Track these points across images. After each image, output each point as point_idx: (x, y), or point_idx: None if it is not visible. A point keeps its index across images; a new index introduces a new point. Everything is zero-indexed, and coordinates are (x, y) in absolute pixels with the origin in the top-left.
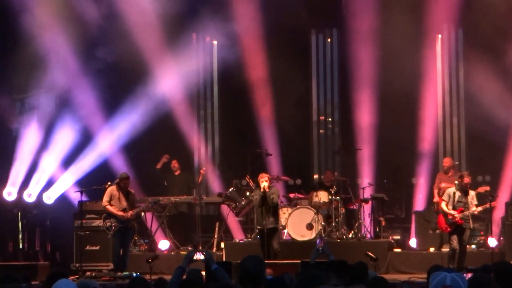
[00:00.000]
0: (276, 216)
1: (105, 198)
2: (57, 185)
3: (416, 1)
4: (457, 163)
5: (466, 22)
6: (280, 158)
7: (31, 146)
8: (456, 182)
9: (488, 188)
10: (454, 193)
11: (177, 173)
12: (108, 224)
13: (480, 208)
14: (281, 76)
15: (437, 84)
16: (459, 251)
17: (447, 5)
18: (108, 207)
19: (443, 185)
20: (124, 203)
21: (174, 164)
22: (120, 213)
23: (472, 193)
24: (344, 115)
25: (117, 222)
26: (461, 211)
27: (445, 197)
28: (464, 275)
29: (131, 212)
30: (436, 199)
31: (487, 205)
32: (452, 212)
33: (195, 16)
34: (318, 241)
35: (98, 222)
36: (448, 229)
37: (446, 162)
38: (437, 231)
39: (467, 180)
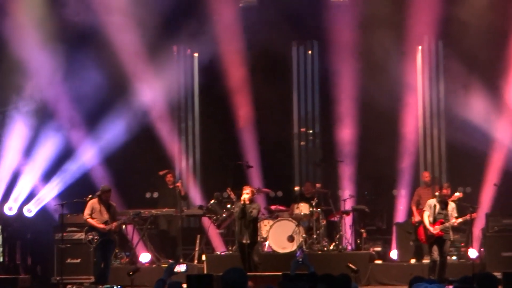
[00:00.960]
0: (255, 230)
1: (87, 211)
2: (38, 198)
3: (397, 13)
4: (436, 176)
5: (446, 34)
6: (261, 170)
7: (12, 159)
8: (436, 193)
9: (461, 195)
10: (435, 205)
11: (171, 186)
12: (90, 237)
13: (460, 220)
14: (262, 88)
15: (417, 96)
16: (439, 263)
17: (428, 17)
18: (90, 220)
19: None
20: (106, 216)
21: (170, 177)
22: (101, 226)
23: (452, 204)
24: (325, 127)
25: (99, 235)
26: (441, 223)
27: (426, 209)
28: (446, 287)
29: (115, 224)
30: (416, 216)
31: (467, 217)
32: (431, 229)
33: (176, 29)
34: (298, 252)
35: (79, 235)
36: (429, 241)
37: (427, 176)
38: (412, 243)
39: (446, 192)
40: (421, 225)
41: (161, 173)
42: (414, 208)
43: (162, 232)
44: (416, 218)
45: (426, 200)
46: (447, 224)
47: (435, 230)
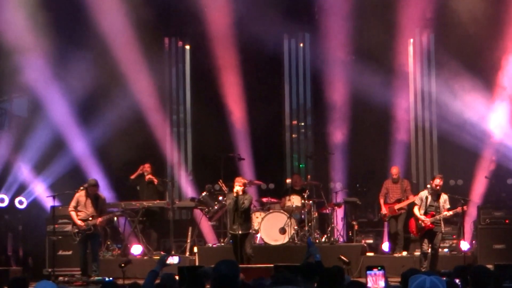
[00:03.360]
0: (248, 221)
1: (72, 203)
2: (30, 190)
3: (389, 6)
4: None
5: (438, 27)
6: (253, 163)
7: (3, 151)
8: (428, 185)
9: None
10: (427, 197)
11: (147, 179)
12: (76, 230)
13: (451, 212)
14: (254, 81)
15: (409, 89)
16: (431, 255)
17: (419, 10)
18: (72, 213)
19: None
20: (91, 209)
21: (147, 168)
22: (79, 223)
23: (444, 196)
24: (317, 119)
25: (79, 229)
26: (432, 215)
27: (417, 201)
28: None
29: (99, 219)
30: (383, 209)
31: (458, 210)
32: (423, 218)
33: (167, 21)
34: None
35: (71, 227)
36: (419, 233)
37: (395, 173)
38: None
39: (438, 183)
40: (412, 218)
41: (132, 176)
42: (381, 201)
43: (153, 224)
44: (383, 211)
45: (394, 193)
46: (437, 217)
47: (425, 222)
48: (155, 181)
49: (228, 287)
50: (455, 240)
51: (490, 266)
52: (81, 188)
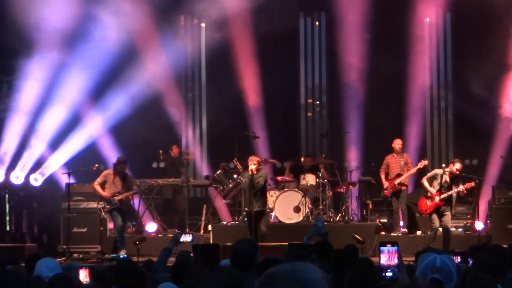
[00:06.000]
0: (263, 199)
1: (98, 179)
2: (45, 167)
3: None
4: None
5: (454, 6)
6: (268, 141)
7: (19, 128)
8: (447, 169)
9: (427, 162)
10: (442, 176)
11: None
12: (102, 205)
13: (462, 187)
14: (269, 59)
15: (425, 69)
16: (443, 235)
17: None
18: (97, 187)
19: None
20: (119, 187)
21: (175, 150)
22: (104, 194)
23: (461, 186)
24: (332, 98)
25: (108, 204)
26: (441, 194)
27: (430, 174)
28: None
29: (126, 193)
30: (385, 183)
31: (472, 184)
32: (431, 189)
33: None
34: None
35: (86, 204)
36: (428, 211)
37: (398, 143)
38: (418, 214)
39: (459, 167)
40: (422, 197)
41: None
42: (382, 177)
43: (168, 202)
44: (385, 185)
45: (394, 168)
46: (445, 195)
47: (433, 194)
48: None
49: (246, 265)
50: (470, 220)
51: (505, 246)
52: (97, 165)
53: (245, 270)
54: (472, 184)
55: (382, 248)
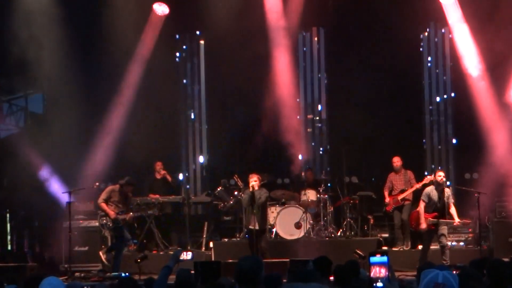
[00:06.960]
0: (264, 216)
1: (102, 196)
2: (45, 186)
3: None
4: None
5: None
6: (268, 157)
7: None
8: (433, 180)
9: (432, 178)
10: (431, 194)
11: (159, 176)
12: (104, 221)
13: (458, 221)
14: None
15: (424, 83)
16: (440, 249)
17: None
18: (102, 204)
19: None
20: (121, 206)
21: (159, 166)
22: (112, 213)
23: (448, 192)
24: (332, 114)
25: (112, 222)
26: (435, 216)
27: (424, 198)
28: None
29: (129, 215)
30: (387, 199)
31: (467, 221)
32: (423, 219)
33: (181, 16)
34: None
35: (87, 223)
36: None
37: (397, 161)
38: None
39: (443, 175)
40: (414, 211)
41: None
42: (386, 193)
43: (169, 219)
44: (386, 201)
45: (398, 185)
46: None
47: (422, 226)
48: (169, 178)
49: (250, 282)
50: (471, 234)
51: (506, 259)
52: (97, 184)
53: (250, 287)
54: (467, 221)
55: (371, 258)
